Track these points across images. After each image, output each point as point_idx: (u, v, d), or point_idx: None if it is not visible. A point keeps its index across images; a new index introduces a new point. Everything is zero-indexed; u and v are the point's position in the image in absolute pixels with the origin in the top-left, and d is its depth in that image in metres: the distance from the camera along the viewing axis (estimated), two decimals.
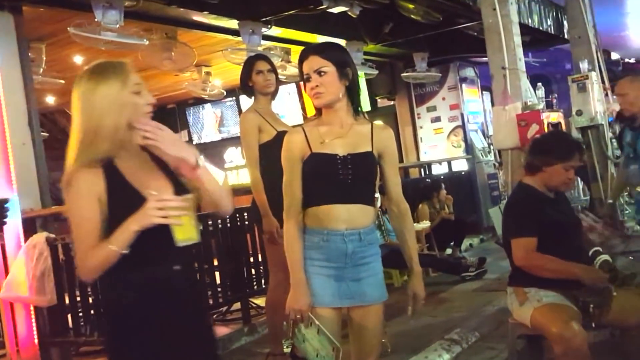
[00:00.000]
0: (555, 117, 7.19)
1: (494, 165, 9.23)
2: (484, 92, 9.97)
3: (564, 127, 7.33)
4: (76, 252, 1.74)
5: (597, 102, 7.02)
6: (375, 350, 2.34)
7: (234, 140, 10.75)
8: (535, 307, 2.71)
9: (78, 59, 7.37)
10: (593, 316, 2.70)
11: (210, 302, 4.76)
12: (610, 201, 4.21)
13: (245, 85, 3.68)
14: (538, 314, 2.69)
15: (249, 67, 3.67)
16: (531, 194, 2.84)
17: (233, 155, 10.96)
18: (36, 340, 4.22)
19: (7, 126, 4.25)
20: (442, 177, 8.19)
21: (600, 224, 3.62)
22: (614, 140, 6.45)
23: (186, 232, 1.72)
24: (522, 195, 2.89)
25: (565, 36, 9.21)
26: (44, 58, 6.50)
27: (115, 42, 5.66)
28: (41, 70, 6.48)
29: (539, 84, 7.95)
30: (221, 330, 4.79)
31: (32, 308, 4.22)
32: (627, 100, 3.66)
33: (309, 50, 2.25)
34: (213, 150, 11.05)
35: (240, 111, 10.50)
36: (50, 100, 9.22)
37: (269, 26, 6.56)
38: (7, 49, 4.31)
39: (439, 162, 9.10)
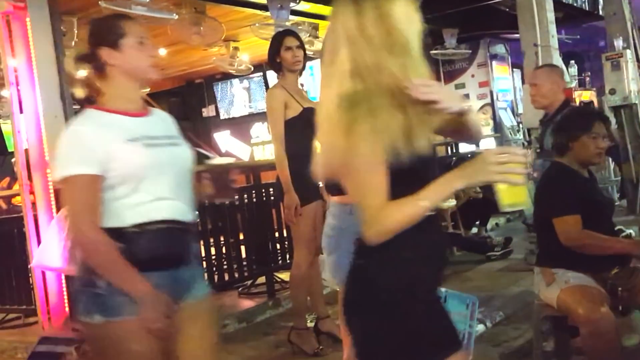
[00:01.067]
0: (588, 95, 7.07)
1: (523, 144, 9.10)
2: (514, 69, 9.79)
3: (596, 105, 7.19)
4: (364, 210, 1.40)
5: (632, 81, 6.86)
6: None
7: (260, 116, 10.74)
8: (562, 288, 2.68)
9: None
10: (621, 299, 2.68)
11: (236, 275, 4.83)
12: None
13: (273, 61, 3.67)
14: (565, 295, 2.66)
15: (277, 42, 3.65)
16: (569, 172, 2.80)
17: (260, 130, 10.98)
18: (67, 309, 4.33)
19: (40, 99, 4.31)
20: (469, 155, 8.10)
21: None
22: None
23: (516, 195, 1.44)
24: (560, 173, 2.85)
25: (600, 12, 8.97)
26: (76, 31, 6.55)
27: (146, 16, 5.69)
28: (73, 43, 6.55)
29: (572, 61, 7.78)
30: (246, 304, 4.86)
31: (63, 277, 4.32)
32: (541, 91, 3.37)
33: None
34: (240, 126, 11.09)
35: (267, 86, 10.49)
36: (82, 73, 9.32)
37: (298, 1, 6.51)
38: (40, 22, 4.35)
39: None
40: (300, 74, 3.76)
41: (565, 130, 2.82)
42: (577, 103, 6.72)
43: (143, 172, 1.82)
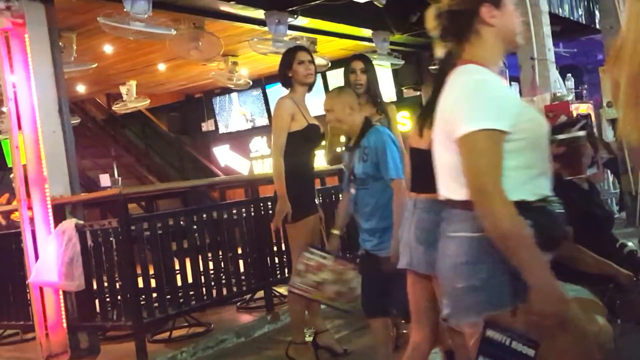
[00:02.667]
0: (585, 108, 7.06)
1: None
2: (511, 82, 9.82)
3: (594, 118, 7.20)
4: None
5: None
6: None
7: (259, 130, 10.80)
8: None
9: (107, 49, 7.47)
10: (619, 312, 2.66)
11: (234, 289, 4.82)
12: (337, 232, 3.28)
13: (285, 75, 3.70)
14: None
15: (290, 57, 3.71)
16: (566, 183, 2.80)
17: (259, 144, 11.01)
18: (65, 325, 4.32)
19: (38, 114, 4.33)
20: None
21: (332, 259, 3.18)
22: None
23: None
24: (556, 184, 2.85)
25: (597, 26, 9.01)
26: (75, 47, 6.60)
27: (144, 32, 5.73)
28: (72, 59, 6.59)
29: (569, 74, 7.80)
30: (244, 318, 4.85)
31: (61, 293, 4.32)
32: (335, 116, 3.15)
33: None
34: (239, 140, 11.12)
35: (266, 101, 10.53)
36: (81, 89, 9.38)
37: (295, 16, 6.55)
38: (38, 38, 4.38)
39: None
40: (310, 89, 3.81)
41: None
42: (575, 116, 6.72)
43: (543, 140, 1.66)
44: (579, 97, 7.67)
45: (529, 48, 6.93)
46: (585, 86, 8.24)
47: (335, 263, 3.14)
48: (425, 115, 2.46)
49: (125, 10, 5.02)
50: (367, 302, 3.09)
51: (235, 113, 11.17)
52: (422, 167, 2.28)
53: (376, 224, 2.96)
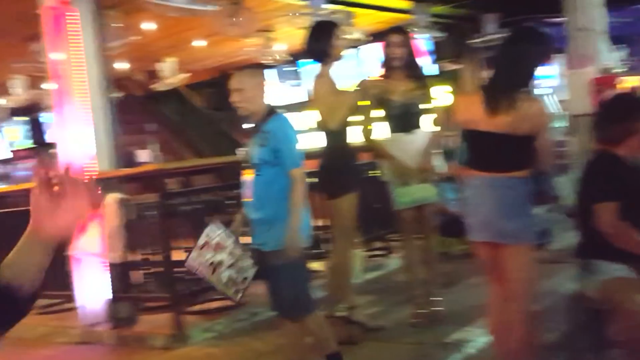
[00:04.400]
0: (637, 81, 6.79)
1: (566, 132, 8.82)
2: (557, 54, 9.49)
3: None
4: None
5: None
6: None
7: (294, 107, 10.76)
8: (605, 280, 2.61)
9: (147, 26, 7.53)
10: None
11: None
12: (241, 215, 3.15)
13: (322, 50, 3.61)
14: (607, 287, 2.60)
15: (330, 32, 3.63)
16: (614, 160, 2.70)
17: (294, 120, 10.99)
18: (105, 295, 4.43)
19: (85, 91, 4.40)
20: None
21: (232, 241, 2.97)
22: None
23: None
24: (605, 161, 2.75)
25: None
26: (117, 25, 6.67)
27: (184, 8, 5.75)
28: (115, 37, 6.67)
29: (621, 45, 7.46)
30: None
31: (102, 264, 4.42)
32: (244, 96, 2.96)
33: None
34: None
35: (299, 77, 10.47)
36: (122, 65, 9.51)
37: None
38: (84, 16, 4.43)
39: None
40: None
41: (621, 122, 2.70)
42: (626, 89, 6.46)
43: None
44: (631, 69, 7.36)
45: (577, 18, 6.67)
46: (638, 57, 7.91)
47: (235, 246, 2.96)
48: (497, 97, 2.50)
49: None
50: (278, 305, 3.00)
51: (270, 89, 11.16)
52: (496, 149, 2.64)
53: (264, 215, 2.84)
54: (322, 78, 3.63)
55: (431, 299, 3.83)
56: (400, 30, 3.91)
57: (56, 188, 1.04)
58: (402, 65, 3.75)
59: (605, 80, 6.48)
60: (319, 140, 3.78)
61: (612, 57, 6.91)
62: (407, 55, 3.77)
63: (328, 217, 3.79)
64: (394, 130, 3.83)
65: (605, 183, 2.67)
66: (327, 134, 3.61)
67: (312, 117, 3.72)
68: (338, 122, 3.56)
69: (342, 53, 3.67)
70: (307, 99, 3.84)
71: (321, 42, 3.61)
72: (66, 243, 4.49)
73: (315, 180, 3.62)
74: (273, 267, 2.80)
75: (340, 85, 3.70)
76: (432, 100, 3.93)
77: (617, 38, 8.31)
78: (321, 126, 3.62)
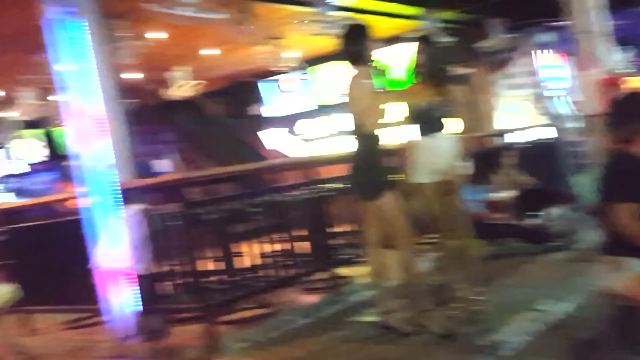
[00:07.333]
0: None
1: (580, 132, 8.86)
2: (568, 57, 9.57)
3: None
4: None
5: None
6: None
7: (306, 113, 10.81)
8: (631, 277, 2.63)
9: (158, 35, 7.57)
10: None
11: (298, 271, 4.85)
12: None
13: (359, 52, 3.65)
14: (634, 284, 2.61)
15: (365, 34, 3.66)
16: (632, 160, 2.73)
17: (307, 127, 11.03)
18: (134, 308, 4.42)
19: (100, 102, 4.40)
20: (513, 145, 7.89)
21: None
22: None
23: None
24: (622, 160, 2.78)
25: None
26: (127, 35, 6.71)
27: (193, 17, 5.78)
28: (123, 46, 6.71)
29: (627, 46, 7.52)
30: (309, 299, 4.88)
31: (130, 276, 4.42)
32: None
33: None
34: (287, 123, 11.16)
35: (314, 84, 10.51)
36: (135, 75, 9.53)
37: None
38: (94, 26, 4.41)
39: (517, 130, 8.81)
40: None
41: (634, 120, 2.73)
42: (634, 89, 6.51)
43: None
44: (638, 70, 7.42)
45: (584, 21, 6.74)
46: None
47: None
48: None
49: None
50: None
51: (283, 96, 11.20)
52: None
53: None
54: (358, 80, 3.64)
55: (471, 297, 3.89)
56: (421, 37, 4.00)
57: None
58: (423, 72, 3.85)
59: (614, 80, 6.55)
60: (350, 144, 3.81)
61: (618, 58, 6.98)
62: (426, 63, 3.85)
63: (364, 221, 3.82)
64: (421, 133, 3.93)
65: (622, 183, 2.68)
66: (361, 136, 3.61)
67: (348, 119, 3.73)
68: (374, 124, 3.58)
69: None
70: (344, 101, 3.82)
71: (357, 44, 3.64)
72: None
73: (349, 184, 3.66)
74: None
75: (376, 87, 3.70)
76: (455, 105, 4.00)
77: (623, 40, 8.38)
78: (357, 128, 3.63)
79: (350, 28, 3.80)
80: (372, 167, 3.58)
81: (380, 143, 3.61)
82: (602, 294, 2.88)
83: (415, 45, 3.91)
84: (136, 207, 4.33)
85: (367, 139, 3.59)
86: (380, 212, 3.59)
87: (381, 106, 3.61)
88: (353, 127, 3.64)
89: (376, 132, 3.60)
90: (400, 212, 3.61)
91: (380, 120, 3.60)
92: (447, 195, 3.95)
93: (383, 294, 3.85)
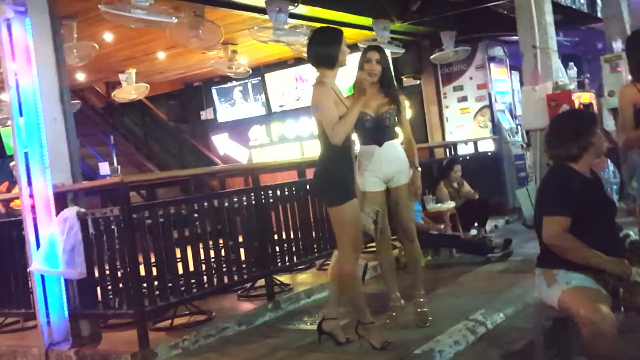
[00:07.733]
0: (587, 97, 7.06)
1: (522, 146, 9.10)
2: (512, 71, 9.81)
3: (595, 107, 7.19)
4: None
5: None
6: None
7: (258, 119, 10.77)
8: (563, 289, 2.67)
9: (108, 36, 7.43)
10: (622, 300, 2.67)
11: (235, 278, 4.82)
12: None
13: (329, 55, 3.57)
14: (566, 296, 2.65)
15: (339, 38, 3.61)
16: (570, 175, 2.79)
17: (257, 133, 10.98)
18: (66, 313, 4.31)
19: (40, 102, 4.30)
20: (459, 157, 8.05)
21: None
22: None
23: None
24: (561, 174, 2.84)
25: (599, 15, 8.99)
26: (75, 35, 6.56)
27: (145, 20, 5.69)
28: (72, 46, 6.55)
29: (571, 63, 7.77)
30: (245, 306, 4.85)
31: (62, 281, 4.31)
32: None
33: None
34: (238, 129, 11.09)
35: (265, 90, 10.48)
36: (80, 77, 9.33)
37: (296, 4, 6.52)
38: (40, 26, 4.34)
39: (465, 142, 8.99)
40: None
41: (577, 140, 2.80)
42: (577, 105, 6.71)
43: None
44: (580, 86, 7.66)
45: (531, 36, 6.92)
46: (587, 75, 8.23)
47: None
48: None
49: None
50: None
51: (235, 101, 11.13)
52: None
53: None
54: (323, 85, 3.57)
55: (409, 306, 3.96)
56: (377, 47, 4.08)
57: None
58: (376, 80, 3.93)
59: (562, 95, 6.74)
60: (315, 148, 3.78)
61: (563, 74, 7.19)
62: (382, 72, 3.96)
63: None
64: (366, 142, 3.98)
65: (556, 197, 2.74)
66: (324, 141, 3.55)
67: (312, 125, 3.69)
68: (338, 129, 3.47)
69: (346, 62, 3.65)
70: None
71: (332, 48, 3.56)
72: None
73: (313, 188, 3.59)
74: None
75: (342, 92, 3.69)
76: (404, 114, 4.06)
77: (567, 57, 8.66)
78: (321, 134, 3.57)
79: (321, 32, 3.79)
80: (333, 173, 3.54)
81: (345, 148, 3.56)
82: (535, 305, 2.94)
83: (369, 54, 3.96)
84: (71, 211, 4.23)
85: (329, 144, 3.51)
86: (339, 218, 3.56)
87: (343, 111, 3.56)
88: (317, 132, 3.61)
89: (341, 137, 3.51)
90: (358, 219, 3.60)
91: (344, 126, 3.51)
92: (394, 204, 4.00)
93: (329, 300, 3.87)
